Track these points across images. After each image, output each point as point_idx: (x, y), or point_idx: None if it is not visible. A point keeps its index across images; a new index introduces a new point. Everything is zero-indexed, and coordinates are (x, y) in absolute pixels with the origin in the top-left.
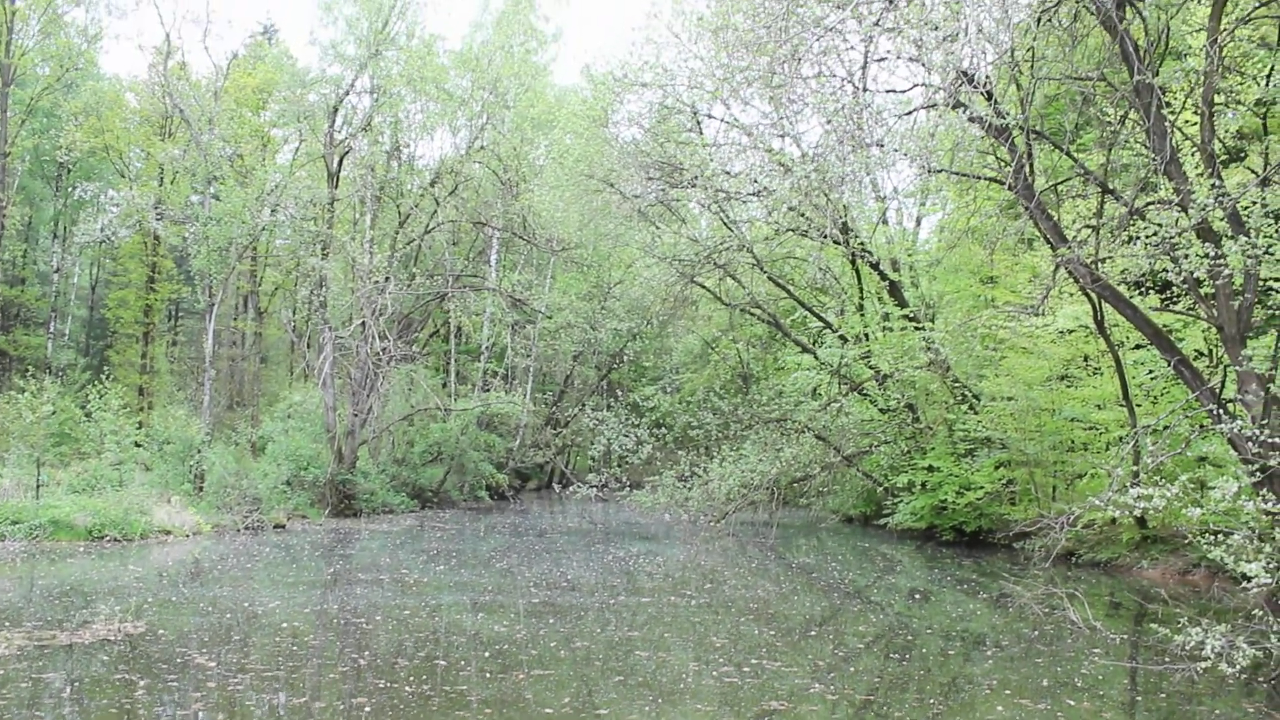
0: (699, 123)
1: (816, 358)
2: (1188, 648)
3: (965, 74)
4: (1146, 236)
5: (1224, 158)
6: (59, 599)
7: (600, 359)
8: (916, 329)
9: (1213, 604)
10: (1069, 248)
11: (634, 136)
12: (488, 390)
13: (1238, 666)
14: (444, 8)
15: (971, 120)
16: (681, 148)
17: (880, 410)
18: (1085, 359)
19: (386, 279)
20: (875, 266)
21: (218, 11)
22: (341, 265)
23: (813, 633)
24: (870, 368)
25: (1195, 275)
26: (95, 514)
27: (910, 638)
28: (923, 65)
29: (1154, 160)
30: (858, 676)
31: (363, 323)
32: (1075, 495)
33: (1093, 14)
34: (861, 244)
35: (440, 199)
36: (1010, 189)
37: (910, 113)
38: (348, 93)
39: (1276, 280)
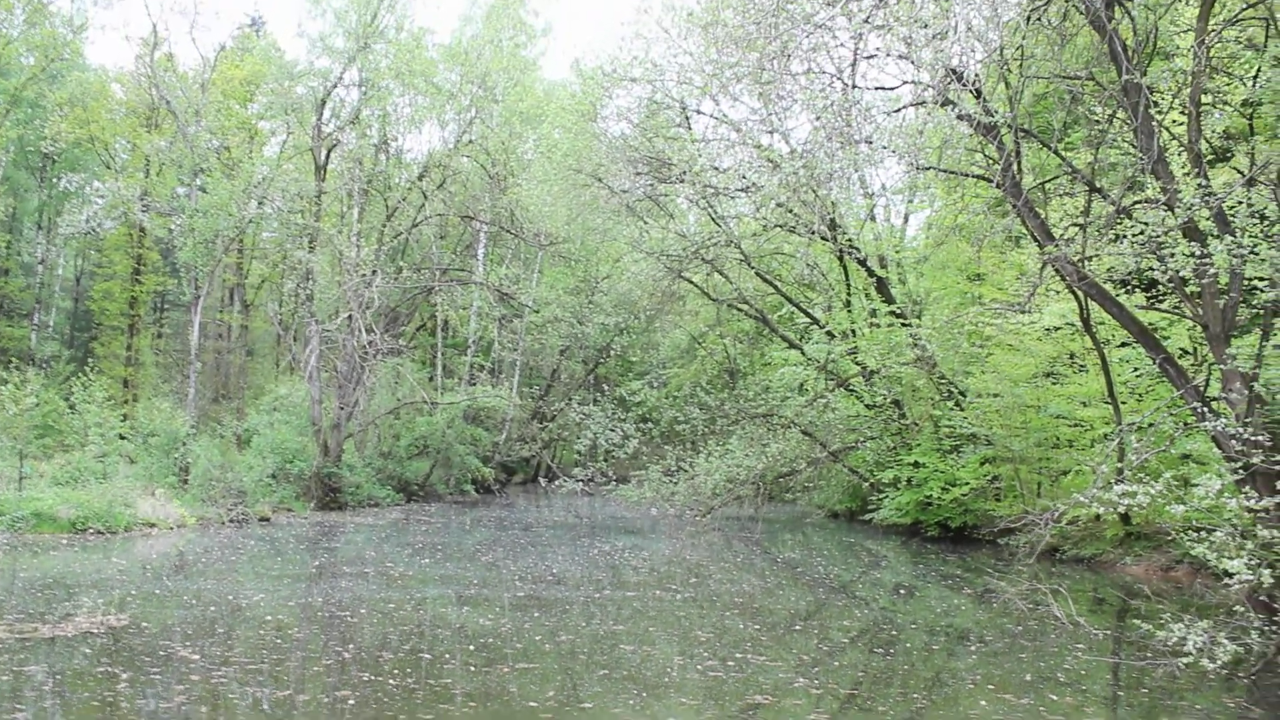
0: (688, 118)
1: (803, 353)
2: (1170, 643)
3: (954, 72)
4: (1133, 235)
5: (1210, 158)
6: (41, 592)
7: (587, 353)
8: (903, 325)
9: (1195, 600)
10: (1056, 246)
11: (623, 131)
12: (474, 384)
13: (1219, 662)
14: (433, 1)
15: (960, 118)
16: (670, 143)
17: (866, 406)
18: (1071, 356)
19: (373, 272)
20: (863, 263)
21: (205, 3)
22: (328, 258)
23: (797, 627)
24: (857, 364)
25: (1181, 274)
26: (79, 506)
27: (894, 633)
28: (912, 63)
29: (1141, 159)
30: (842, 671)
31: (349, 316)
32: (1060, 492)
33: (1082, 13)
34: (849, 240)
35: (428, 192)
36: (998, 187)
37: (899, 110)
38: (336, 85)
39: (1261, 279)
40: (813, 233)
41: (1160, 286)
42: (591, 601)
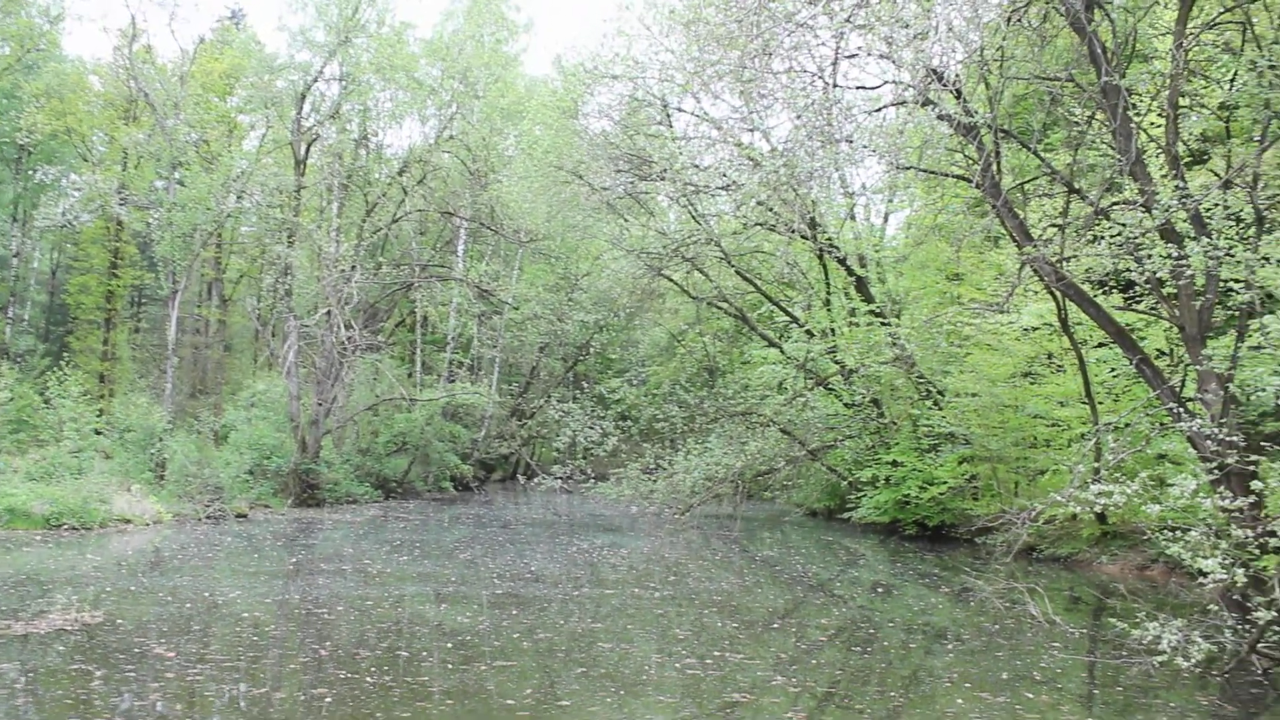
0: (669, 116)
1: (783, 352)
2: (1145, 642)
3: (935, 72)
4: (1111, 236)
5: (1188, 160)
6: (14, 588)
7: (566, 350)
8: (882, 324)
9: (1170, 599)
10: (1034, 246)
11: (604, 128)
12: (453, 381)
13: (1193, 660)
14: None
15: (940, 118)
16: (651, 140)
17: (845, 405)
18: (1049, 356)
19: (353, 268)
20: (842, 262)
21: None
22: (307, 253)
23: (775, 625)
24: (836, 363)
25: (1158, 275)
26: (53, 502)
27: (872, 631)
28: (893, 62)
29: (1120, 161)
30: (819, 669)
31: (328, 311)
32: (1037, 491)
33: (1062, 15)
34: (829, 239)
35: (408, 188)
36: (977, 187)
37: (880, 109)
38: (316, 80)
39: (1237, 281)
40: (793, 231)
41: (1137, 287)
42: (570, 599)
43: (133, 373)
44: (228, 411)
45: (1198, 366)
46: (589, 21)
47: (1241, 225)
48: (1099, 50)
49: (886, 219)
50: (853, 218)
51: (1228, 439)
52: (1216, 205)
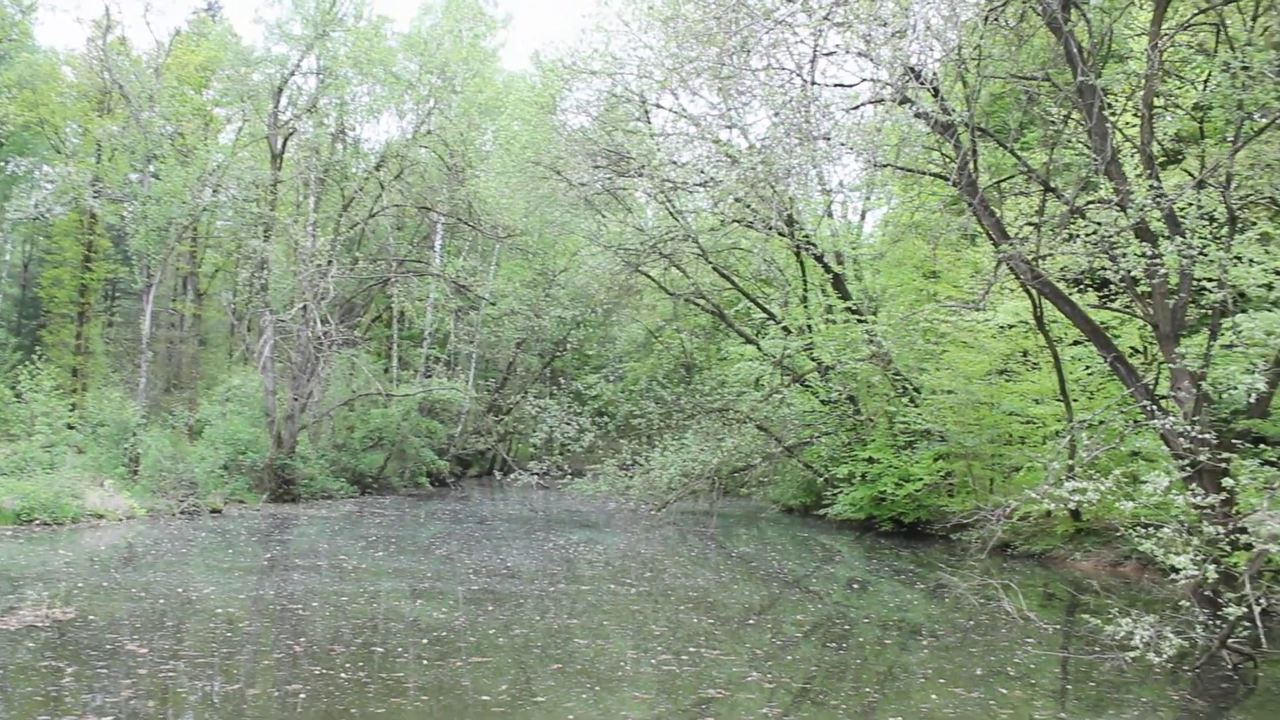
0: (647, 112)
1: (759, 349)
2: (1117, 638)
3: (912, 70)
4: (1086, 235)
5: (1162, 160)
6: None
7: (544, 346)
8: (859, 322)
9: (1143, 595)
10: (1010, 244)
11: (582, 124)
12: (430, 376)
13: (1164, 656)
14: None
15: (918, 116)
16: (629, 136)
17: (822, 402)
18: (1024, 354)
19: (329, 262)
20: (820, 259)
21: None
22: (283, 248)
23: (751, 621)
24: (813, 359)
25: (1132, 274)
26: (24, 497)
27: (847, 627)
28: (871, 60)
29: (1095, 160)
30: (795, 665)
31: (304, 306)
32: (1012, 488)
33: (1038, 14)
34: (806, 236)
35: (385, 183)
36: (954, 185)
37: (857, 107)
38: (293, 73)
39: (1210, 280)
40: (770, 228)
41: (1112, 286)
42: (546, 595)
43: (106, 367)
44: (202, 406)
45: (1171, 364)
46: (568, 17)
47: (1215, 225)
48: (1075, 50)
49: (864, 216)
50: (830, 215)
51: (1200, 436)
52: (1190, 205)
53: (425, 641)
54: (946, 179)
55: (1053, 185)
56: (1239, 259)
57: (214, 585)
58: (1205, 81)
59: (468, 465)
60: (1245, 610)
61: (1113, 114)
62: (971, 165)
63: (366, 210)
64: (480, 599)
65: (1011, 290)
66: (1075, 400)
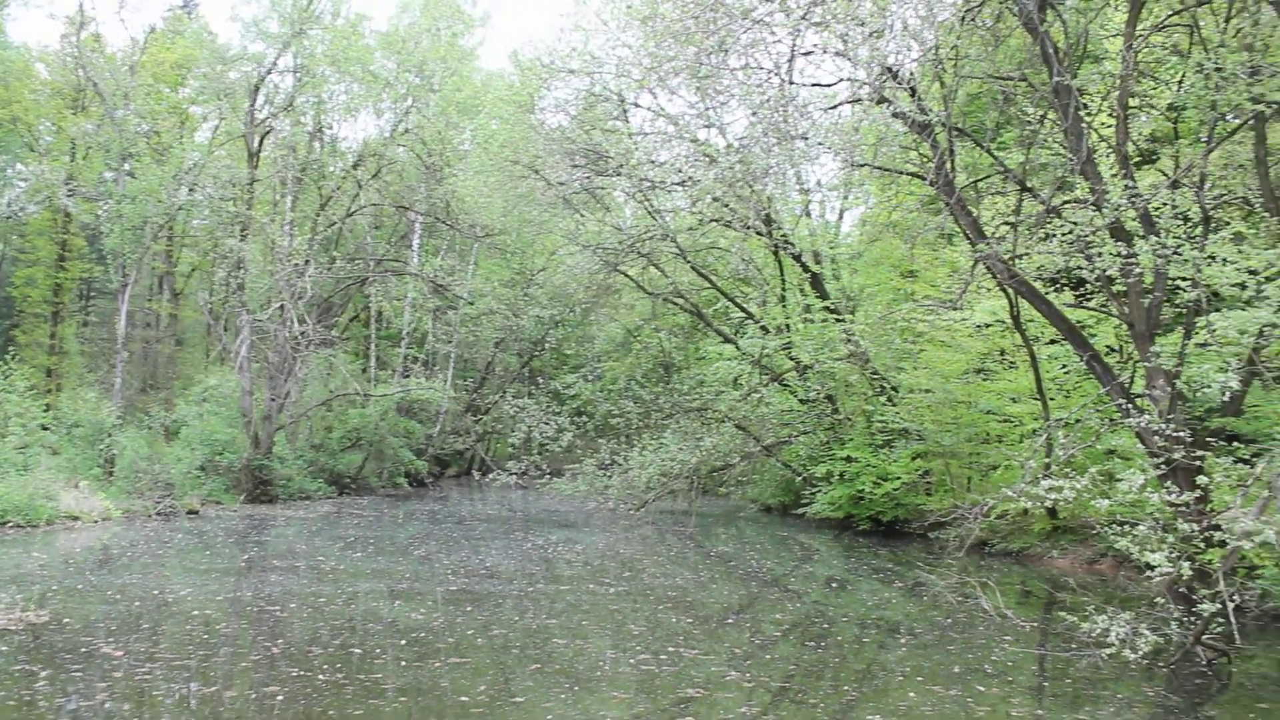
0: (625, 111)
1: (738, 348)
2: (1094, 635)
3: (890, 70)
4: (1062, 234)
5: (1137, 160)
6: None
7: (522, 346)
8: (837, 321)
9: (1119, 592)
10: (987, 244)
11: (560, 123)
12: (408, 376)
13: (1140, 652)
14: None
15: (895, 116)
16: (607, 136)
17: (800, 401)
18: (1001, 353)
19: (306, 262)
20: (797, 258)
21: None
22: (260, 247)
23: (730, 621)
24: (791, 359)
25: (1108, 273)
26: None
27: (826, 626)
28: (848, 60)
29: (1071, 160)
30: (774, 664)
31: (281, 306)
32: (989, 486)
33: (1015, 15)
34: (784, 236)
35: (363, 182)
36: (931, 185)
37: (835, 107)
38: (270, 71)
39: (1184, 279)
40: (748, 228)
41: (1088, 285)
42: (525, 595)
43: (81, 367)
44: (179, 407)
45: (1146, 363)
46: (546, 16)
47: (1189, 224)
48: (1051, 50)
49: (841, 216)
50: (808, 214)
51: (1175, 434)
52: (1165, 204)
53: (404, 642)
54: (924, 178)
55: (1029, 185)
56: (1213, 258)
57: (191, 587)
58: (1179, 82)
59: (446, 465)
60: (1219, 607)
61: (1088, 114)
62: (948, 165)
63: (344, 209)
64: (459, 599)
65: (988, 289)
66: (1052, 399)
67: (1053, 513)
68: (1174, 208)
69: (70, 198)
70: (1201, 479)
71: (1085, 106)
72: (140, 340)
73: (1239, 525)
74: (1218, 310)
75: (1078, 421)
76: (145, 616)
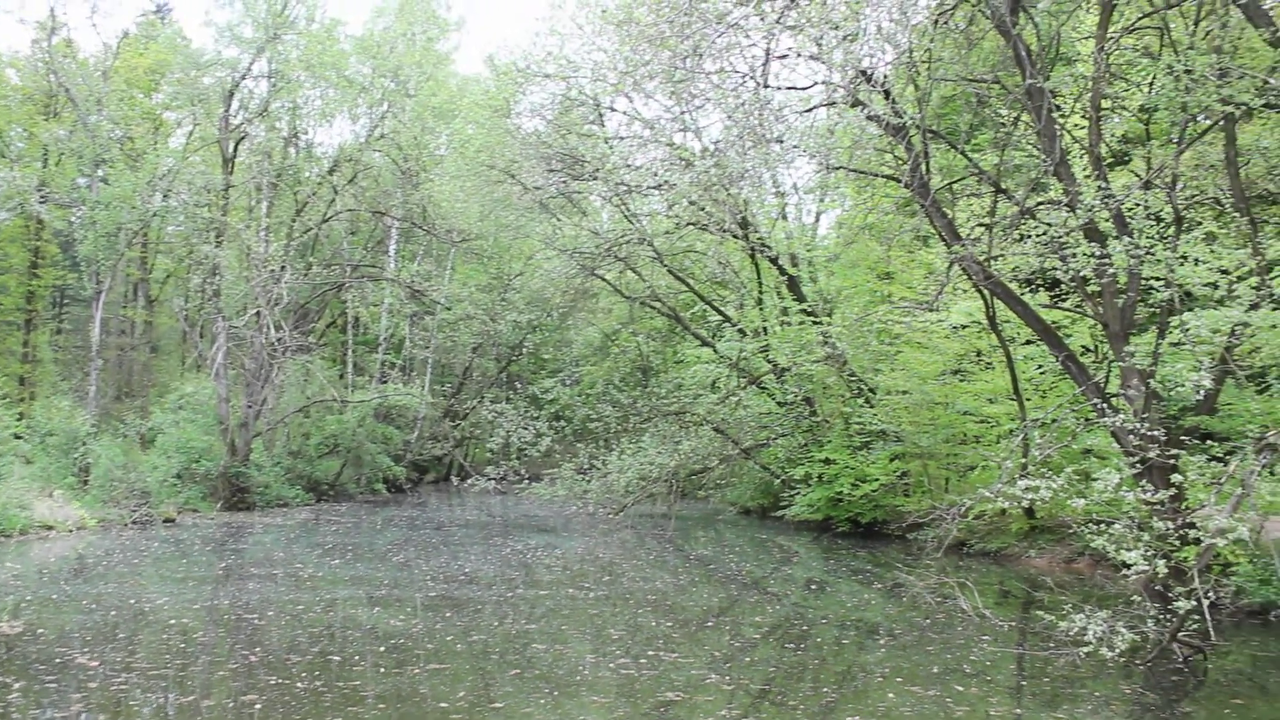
0: (601, 115)
1: (715, 351)
2: (1071, 633)
3: (864, 73)
4: (1037, 235)
5: (1110, 161)
6: None
7: (500, 351)
8: (814, 323)
9: (1096, 591)
10: (963, 245)
11: (536, 128)
12: (385, 382)
13: (1117, 650)
14: None
15: (870, 119)
16: (584, 140)
17: (778, 403)
18: (978, 354)
19: (282, 268)
20: (774, 261)
21: None
22: (236, 253)
23: (710, 624)
24: (768, 361)
25: (1082, 274)
26: None
27: (806, 628)
28: (823, 63)
29: (1045, 161)
30: (754, 666)
31: (258, 312)
32: (967, 487)
33: (987, 18)
34: (761, 239)
35: (339, 187)
36: (907, 187)
37: (810, 110)
38: (244, 76)
39: (1157, 279)
40: (725, 231)
41: (1063, 286)
42: (504, 601)
43: (55, 375)
44: (155, 414)
45: (1121, 363)
46: (521, 20)
47: (1161, 225)
48: (1024, 53)
49: (818, 218)
50: (784, 217)
51: (1150, 434)
52: (1138, 205)
53: (383, 649)
54: (899, 181)
55: (1003, 186)
56: (1185, 258)
57: (167, 596)
58: (1150, 84)
59: (424, 471)
60: (1194, 604)
61: (1061, 116)
62: (924, 167)
63: (320, 215)
64: (438, 605)
65: (964, 291)
66: (1028, 399)
67: (1030, 512)
68: (1147, 208)
69: (43, 204)
70: (1176, 477)
71: (1058, 108)
72: (115, 348)
73: (1213, 523)
74: (1191, 310)
75: (1054, 421)
76: (121, 626)
